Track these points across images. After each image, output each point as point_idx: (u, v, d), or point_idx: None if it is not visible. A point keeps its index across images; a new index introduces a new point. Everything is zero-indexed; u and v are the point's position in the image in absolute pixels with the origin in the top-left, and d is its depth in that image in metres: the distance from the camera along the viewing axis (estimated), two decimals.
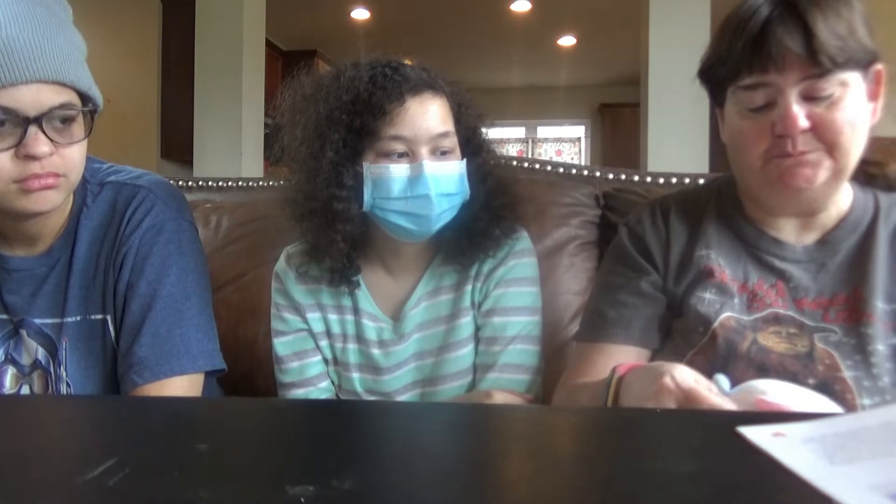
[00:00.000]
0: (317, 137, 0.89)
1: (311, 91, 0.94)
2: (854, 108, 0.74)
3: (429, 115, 0.88)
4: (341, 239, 0.90)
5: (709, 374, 0.64)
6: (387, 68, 0.90)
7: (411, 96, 0.87)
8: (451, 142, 0.90)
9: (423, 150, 0.87)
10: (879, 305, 0.77)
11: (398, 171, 0.87)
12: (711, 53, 0.81)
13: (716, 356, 0.79)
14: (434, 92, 0.90)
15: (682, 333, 0.84)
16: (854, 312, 0.78)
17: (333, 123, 0.88)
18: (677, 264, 0.86)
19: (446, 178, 0.88)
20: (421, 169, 0.86)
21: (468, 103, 0.96)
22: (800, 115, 0.73)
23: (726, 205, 0.87)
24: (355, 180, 0.89)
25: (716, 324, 0.80)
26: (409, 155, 0.87)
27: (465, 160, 0.92)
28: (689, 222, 0.88)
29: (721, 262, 0.84)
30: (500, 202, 0.95)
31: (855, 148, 0.75)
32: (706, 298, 0.82)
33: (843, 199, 0.82)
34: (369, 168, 0.88)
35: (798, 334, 0.78)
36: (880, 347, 0.75)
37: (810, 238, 0.82)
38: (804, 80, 0.73)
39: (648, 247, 0.88)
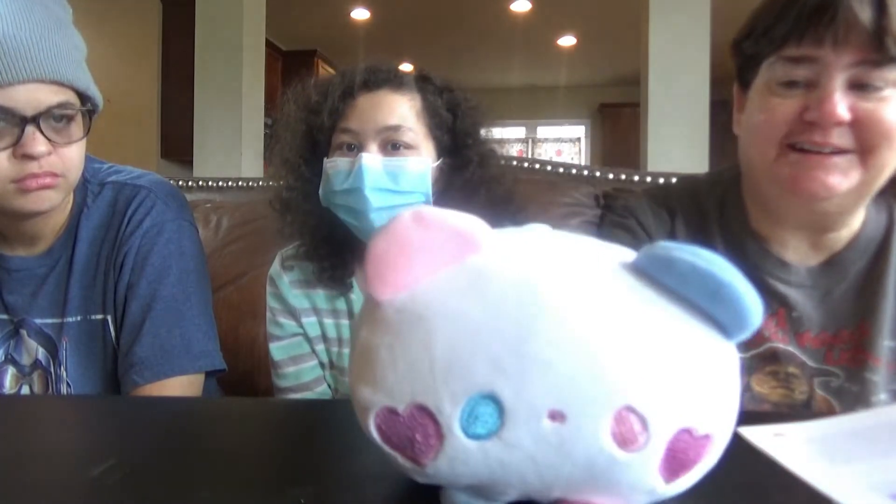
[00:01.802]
0: (290, 135, 0.93)
1: (295, 95, 0.98)
2: None
3: (379, 108, 0.87)
4: (297, 232, 0.93)
5: None
6: (358, 69, 0.91)
7: (365, 92, 0.88)
8: (410, 138, 0.87)
9: (372, 144, 0.86)
10: (886, 344, 0.69)
11: (342, 164, 0.87)
12: (754, 20, 0.70)
13: None
14: (394, 89, 0.89)
15: None
16: (859, 352, 0.70)
17: (300, 121, 0.92)
18: None
19: (388, 173, 0.86)
20: (359, 161, 0.85)
21: (458, 108, 0.94)
22: (841, 103, 0.62)
23: (730, 214, 0.78)
24: (320, 177, 0.91)
25: None
26: (359, 148, 0.87)
27: (439, 161, 0.90)
28: (697, 235, 0.77)
29: None
30: (493, 215, 0.92)
31: (892, 161, 0.65)
32: None
33: (857, 217, 0.73)
34: (326, 163, 0.89)
35: (797, 376, 0.71)
36: (883, 397, 0.69)
37: (816, 259, 0.73)
38: (858, 64, 0.62)
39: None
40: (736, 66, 0.74)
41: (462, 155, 0.93)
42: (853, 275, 0.72)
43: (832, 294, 0.72)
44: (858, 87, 0.63)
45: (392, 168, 0.86)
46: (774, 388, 0.71)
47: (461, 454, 0.30)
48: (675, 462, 0.30)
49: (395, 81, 0.90)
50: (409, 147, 0.88)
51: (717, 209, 0.78)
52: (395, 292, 0.31)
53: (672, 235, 0.78)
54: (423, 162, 0.88)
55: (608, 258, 0.32)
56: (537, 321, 0.29)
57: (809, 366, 0.71)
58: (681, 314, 0.30)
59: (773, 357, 0.71)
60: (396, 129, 0.87)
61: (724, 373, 0.31)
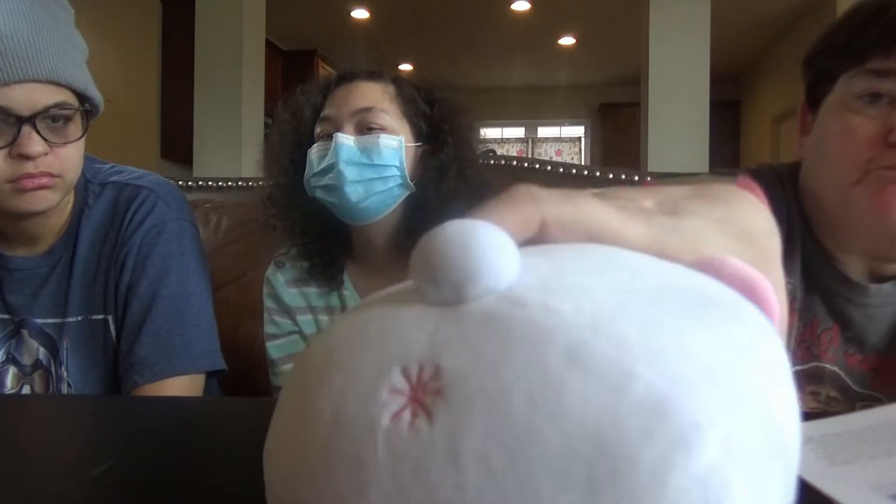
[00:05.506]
0: (279, 137, 0.97)
1: (284, 101, 1.02)
2: None
3: (352, 95, 0.91)
4: (287, 229, 0.96)
5: None
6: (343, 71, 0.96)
7: (341, 84, 0.93)
8: (383, 119, 0.90)
9: (347, 126, 0.90)
10: None
11: (321, 148, 0.91)
12: (831, 35, 0.65)
13: None
14: (367, 79, 0.93)
15: None
16: None
17: (287, 123, 0.96)
18: None
19: (362, 149, 0.89)
20: (334, 140, 0.88)
21: (433, 99, 0.96)
22: None
23: (793, 218, 0.70)
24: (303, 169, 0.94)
25: None
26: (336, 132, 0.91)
27: (417, 143, 0.93)
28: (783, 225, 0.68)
29: (797, 297, 0.67)
30: (470, 199, 0.93)
31: None
32: None
33: None
34: (309, 153, 0.92)
35: (838, 400, 0.66)
36: None
37: (882, 276, 0.68)
38: None
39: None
40: (806, 83, 0.69)
41: (438, 139, 0.95)
42: None
43: (890, 316, 0.67)
44: None
45: (365, 144, 0.88)
46: (813, 411, 0.66)
47: None
48: None
49: (370, 74, 0.94)
50: (382, 129, 0.90)
51: (784, 212, 0.71)
52: None
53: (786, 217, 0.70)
54: (395, 138, 0.91)
55: None
56: None
57: (853, 389, 0.67)
58: None
59: (818, 377, 0.68)
60: (369, 110, 0.90)
61: None
